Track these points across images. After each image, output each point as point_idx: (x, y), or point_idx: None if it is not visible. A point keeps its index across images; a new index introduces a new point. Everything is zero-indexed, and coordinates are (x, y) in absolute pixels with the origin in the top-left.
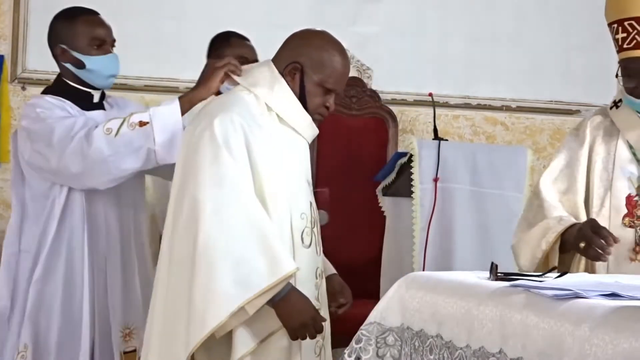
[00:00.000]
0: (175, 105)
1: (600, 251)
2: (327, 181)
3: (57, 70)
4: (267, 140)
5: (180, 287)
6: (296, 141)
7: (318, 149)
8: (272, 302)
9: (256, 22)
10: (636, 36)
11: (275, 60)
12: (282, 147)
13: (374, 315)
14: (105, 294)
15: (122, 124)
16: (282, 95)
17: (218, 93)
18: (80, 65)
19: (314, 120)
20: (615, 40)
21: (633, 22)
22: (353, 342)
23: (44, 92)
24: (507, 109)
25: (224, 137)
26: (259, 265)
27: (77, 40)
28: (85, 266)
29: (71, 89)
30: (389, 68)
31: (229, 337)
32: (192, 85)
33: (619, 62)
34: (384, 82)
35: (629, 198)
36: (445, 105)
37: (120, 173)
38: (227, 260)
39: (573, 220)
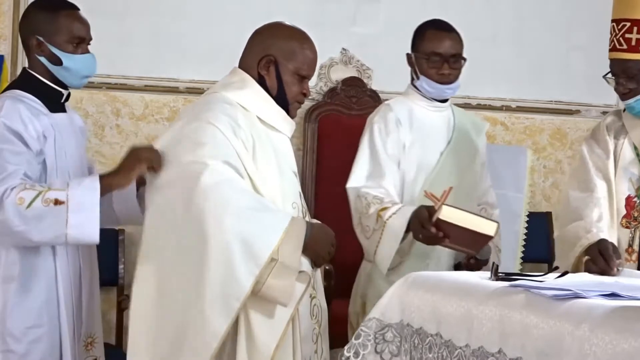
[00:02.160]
0: (95, 189)
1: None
2: (327, 181)
3: None
4: (248, 137)
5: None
6: (276, 137)
7: (318, 149)
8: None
9: (256, 22)
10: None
11: (242, 62)
12: (264, 143)
13: (374, 312)
14: (80, 304)
15: (36, 197)
16: (255, 95)
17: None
18: (57, 62)
19: (293, 107)
20: (616, 39)
21: None
22: (353, 338)
23: (10, 87)
24: (507, 109)
25: (212, 132)
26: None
27: (57, 35)
28: (59, 278)
29: (41, 86)
30: (389, 68)
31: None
32: (192, 85)
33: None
34: (384, 82)
35: (628, 199)
36: None
37: (28, 243)
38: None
39: (600, 236)
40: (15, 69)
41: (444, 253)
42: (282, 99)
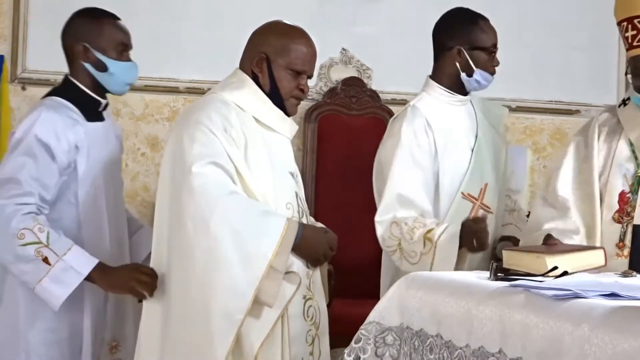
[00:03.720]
0: (81, 274)
1: None
2: (327, 181)
3: (57, 69)
4: (240, 136)
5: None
6: (272, 137)
7: (318, 149)
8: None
9: (256, 22)
10: None
11: (241, 63)
12: (257, 143)
13: (374, 315)
14: (104, 308)
15: (34, 244)
16: (252, 95)
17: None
18: (102, 68)
19: (290, 104)
20: (625, 38)
21: None
22: (352, 342)
23: (51, 94)
24: (507, 109)
25: (206, 134)
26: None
27: (103, 41)
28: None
29: (81, 95)
30: (389, 68)
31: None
32: (192, 85)
33: (629, 60)
34: (384, 82)
35: (622, 194)
36: None
37: (0, 260)
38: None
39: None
40: (15, 69)
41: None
42: (275, 96)
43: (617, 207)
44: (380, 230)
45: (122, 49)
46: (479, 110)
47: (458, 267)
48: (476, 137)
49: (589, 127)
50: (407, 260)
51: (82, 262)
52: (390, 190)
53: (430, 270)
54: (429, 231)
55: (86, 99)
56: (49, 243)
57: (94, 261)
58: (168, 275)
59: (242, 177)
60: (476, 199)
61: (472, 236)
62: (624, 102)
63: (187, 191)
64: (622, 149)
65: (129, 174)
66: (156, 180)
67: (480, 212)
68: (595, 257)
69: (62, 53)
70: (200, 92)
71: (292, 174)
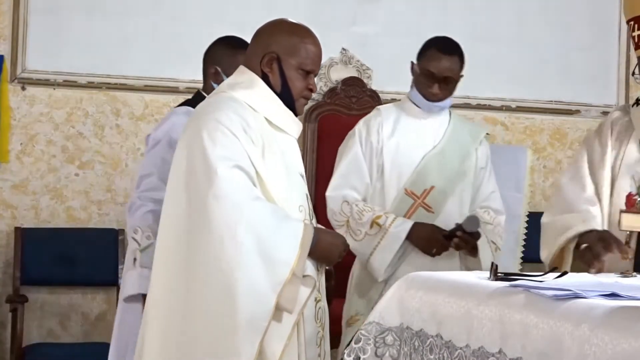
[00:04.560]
0: None
1: (594, 262)
2: (327, 181)
3: (56, 69)
4: (258, 137)
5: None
6: (283, 138)
7: (318, 148)
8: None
9: (256, 22)
10: None
11: (247, 61)
12: (272, 145)
13: (374, 315)
14: None
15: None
16: (263, 95)
17: None
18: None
19: (299, 104)
20: (632, 38)
21: None
22: (352, 342)
23: (183, 104)
24: (507, 109)
25: (223, 138)
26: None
27: (232, 70)
28: None
29: None
30: (389, 68)
31: None
32: (192, 85)
33: (639, 59)
34: (384, 82)
35: (629, 197)
36: None
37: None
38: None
39: (593, 226)
40: (15, 69)
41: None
42: (286, 96)
43: (623, 208)
44: (331, 204)
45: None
46: (453, 125)
47: (398, 259)
48: (435, 145)
49: (603, 126)
50: (351, 236)
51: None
52: (339, 172)
53: (372, 252)
54: (378, 217)
55: None
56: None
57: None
58: (181, 276)
59: (262, 179)
60: (418, 197)
61: (426, 241)
62: (637, 102)
63: (213, 196)
64: (632, 150)
65: (128, 174)
66: None
67: (420, 209)
68: None
69: (62, 53)
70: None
71: (302, 176)
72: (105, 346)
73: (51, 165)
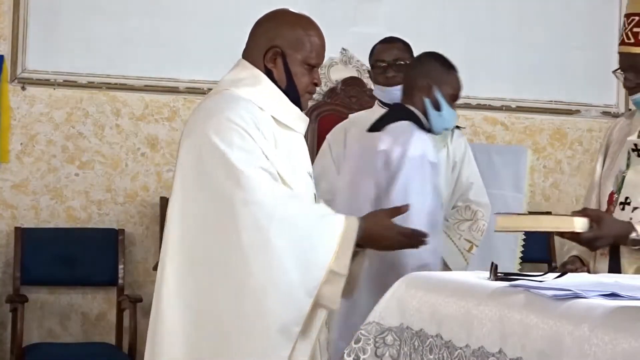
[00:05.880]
0: None
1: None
2: None
3: (57, 70)
4: (270, 136)
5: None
6: (290, 136)
7: (318, 148)
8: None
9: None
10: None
11: (248, 54)
12: (280, 144)
13: (373, 315)
14: None
15: None
16: (269, 93)
17: None
18: (437, 107)
19: (304, 99)
20: (627, 33)
21: None
22: (352, 342)
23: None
24: (507, 109)
25: (239, 135)
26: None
27: (448, 88)
28: None
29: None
30: None
31: None
32: (192, 85)
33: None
34: None
35: (611, 195)
36: None
37: None
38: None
39: None
40: (15, 69)
41: None
42: (292, 92)
43: (605, 207)
44: None
45: (454, 99)
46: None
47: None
48: None
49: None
50: None
51: None
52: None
53: None
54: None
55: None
56: None
57: None
58: (208, 277)
59: (283, 178)
60: None
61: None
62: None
63: (241, 200)
64: (625, 150)
65: (128, 174)
66: (156, 180)
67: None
68: (574, 223)
69: (62, 53)
70: (200, 92)
71: (310, 175)
72: (106, 346)
73: (51, 165)
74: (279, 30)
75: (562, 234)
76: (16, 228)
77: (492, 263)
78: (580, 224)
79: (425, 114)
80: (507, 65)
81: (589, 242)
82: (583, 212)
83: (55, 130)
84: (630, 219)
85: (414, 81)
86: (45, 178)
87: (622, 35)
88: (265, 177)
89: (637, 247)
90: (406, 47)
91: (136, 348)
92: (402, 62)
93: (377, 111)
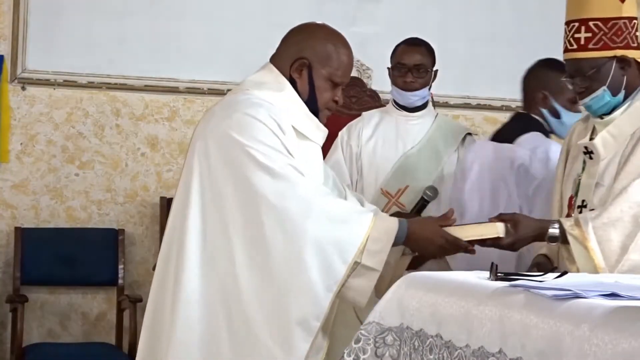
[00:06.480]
0: None
1: None
2: None
3: (56, 69)
4: (294, 142)
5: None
6: (307, 146)
7: None
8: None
9: (256, 22)
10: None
11: (276, 59)
12: (297, 151)
13: (373, 315)
14: None
15: None
16: (290, 101)
17: None
18: (557, 115)
19: (323, 115)
20: (569, 41)
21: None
22: (352, 342)
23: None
24: (507, 109)
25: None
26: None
27: (561, 93)
28: None
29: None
30: None
31: None
32: (192, 85)
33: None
34: (384, 82)
35: (570, 199)
36: (445, 105)
37: None
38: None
39: None
40: (15, 69)
41: None
42: (312, 105)
43: (566, 211)
44: None
45: (574, 101)
46: (435, 126)
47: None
48: (414, 146)
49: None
50: None
51: None
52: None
53: None
54: None
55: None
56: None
57: None
58: (224, 274)
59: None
60: (392, 196)
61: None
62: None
63: (275, 195)
64: (580, 153)
65: (128, 174)
66: (156, 180)
67: (394, 208)
68: (492, 229)
69: (62, 53)
70: (200, 92)
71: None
72: (106, 346)
73: (51, 165)
74: (311, 43)
75: (483, 242)
76: (16, 228)
77: (492, 263)
78: (501, 229)
79: (546, 122)
80: (507, 65)
81: (509, 246)
82: (499, 217)
83: (55, 130)
84: None
85: (531, 94)
86: (45, 178)
87: (565, 42)
88: (296, 175)
89: (554, 244)
90: (429, 51)
91: (136, 348)
92: (423, 68)
93: (390, 111)
